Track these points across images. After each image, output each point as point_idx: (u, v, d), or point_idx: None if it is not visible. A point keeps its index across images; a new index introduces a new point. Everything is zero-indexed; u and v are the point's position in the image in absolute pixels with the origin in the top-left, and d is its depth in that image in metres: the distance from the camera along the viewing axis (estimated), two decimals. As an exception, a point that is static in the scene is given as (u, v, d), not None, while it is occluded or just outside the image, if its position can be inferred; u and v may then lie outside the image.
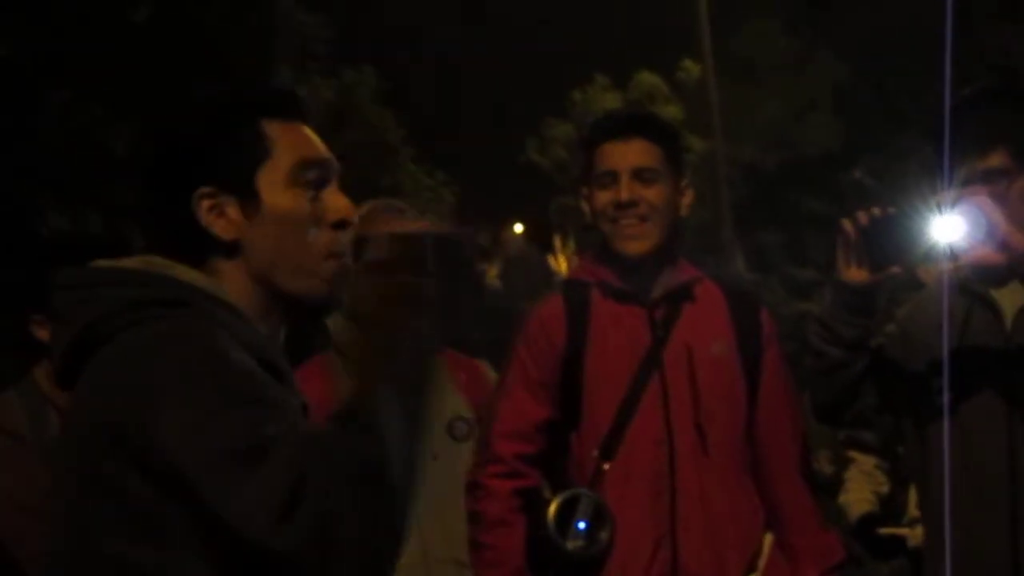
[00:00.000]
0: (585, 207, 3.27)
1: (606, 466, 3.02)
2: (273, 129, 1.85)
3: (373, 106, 21.57)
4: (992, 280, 2.80)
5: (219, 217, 1.81)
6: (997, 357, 2.76)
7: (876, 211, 2.67)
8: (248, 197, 1.82)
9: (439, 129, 24.74)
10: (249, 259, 1.83)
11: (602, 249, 3.23)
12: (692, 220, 3.02)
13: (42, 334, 3.21)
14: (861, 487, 4.19)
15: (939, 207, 2.59)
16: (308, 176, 1.84)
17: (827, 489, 4.30)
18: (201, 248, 1.83)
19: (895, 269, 2.73)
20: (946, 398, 2.71)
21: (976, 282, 2.83)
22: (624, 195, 3.12)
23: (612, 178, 3.14)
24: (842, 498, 4.21)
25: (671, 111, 24.35)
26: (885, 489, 4.16)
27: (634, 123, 3.27)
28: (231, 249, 1.82)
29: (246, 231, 1.82)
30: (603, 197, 3.15)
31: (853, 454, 4.28)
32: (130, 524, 1.64)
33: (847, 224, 2.71)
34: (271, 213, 1.82)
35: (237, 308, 1.80)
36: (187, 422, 1.59)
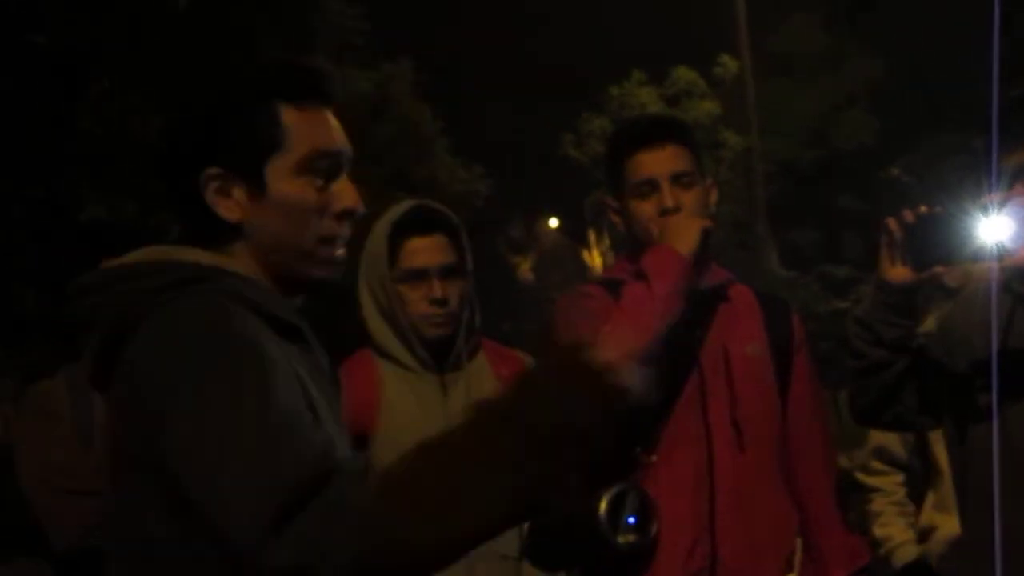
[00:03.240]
0: (617, 220, 3.23)
1: (652, 458, 2.99)
2: (290, 116, 1.83)
3: (411, 99, 21.58)
4: None
5: (225, 198, 1.82)
6: (1041, 359, 2.72)
7: (923, 209, 2.64)
8: (255, 182, 1.82)
9: (476, 121, 24.74)
10: (251, 240, 1.84)
11: (638, 250, 3.18)
12: (727, 216, 2.99)
13: None
14: (897, 523, 4.04)
15: (986, 207, 2.56)
16: (318, 166, 1.84)
17: (857, 488, 4.23)
18: (213, 228, 1.84)
19: (939, 269, 2.69)
20: (995, 399, 2.67)
21: (1019, 283, 2.79)
22: (669, 201, 3.06)
23: (652, 186, 3.08)
24: (878, 532, 4.06)
25: (708, 106, 24.31)
26: (914, 519, 4.04)
27: (663, 128, 3.23)
28: (235, 229, 1.83)
29: (250, 213, 1.83)
30: (645, 207, 3.09)
31: (877, 466, 4.13)
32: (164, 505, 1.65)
33: (892, 222, 2.67)
34: (276, 200, 1.82)
35: (247, 276, 1.81)
36: (196, 418, 1.59)
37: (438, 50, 23.51)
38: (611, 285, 3.13)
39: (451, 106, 22.70)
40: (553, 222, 32.56)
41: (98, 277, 1.82)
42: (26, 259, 10.77)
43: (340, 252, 1.89)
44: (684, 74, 26.22)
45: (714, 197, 3.21)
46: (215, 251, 1.83)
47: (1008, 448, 2.68)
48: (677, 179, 3.09)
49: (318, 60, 1.94)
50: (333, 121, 1.89)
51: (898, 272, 2.70)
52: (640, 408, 2.89)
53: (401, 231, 3.19)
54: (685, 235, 2.98)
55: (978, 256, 2.59)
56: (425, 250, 3.17)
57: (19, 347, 10.25)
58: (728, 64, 25.04)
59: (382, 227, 3.19)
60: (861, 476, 4.12)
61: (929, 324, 3.41)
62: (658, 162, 3.10)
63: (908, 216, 2.65)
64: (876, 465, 4.07)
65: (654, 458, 3.00)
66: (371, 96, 19.08)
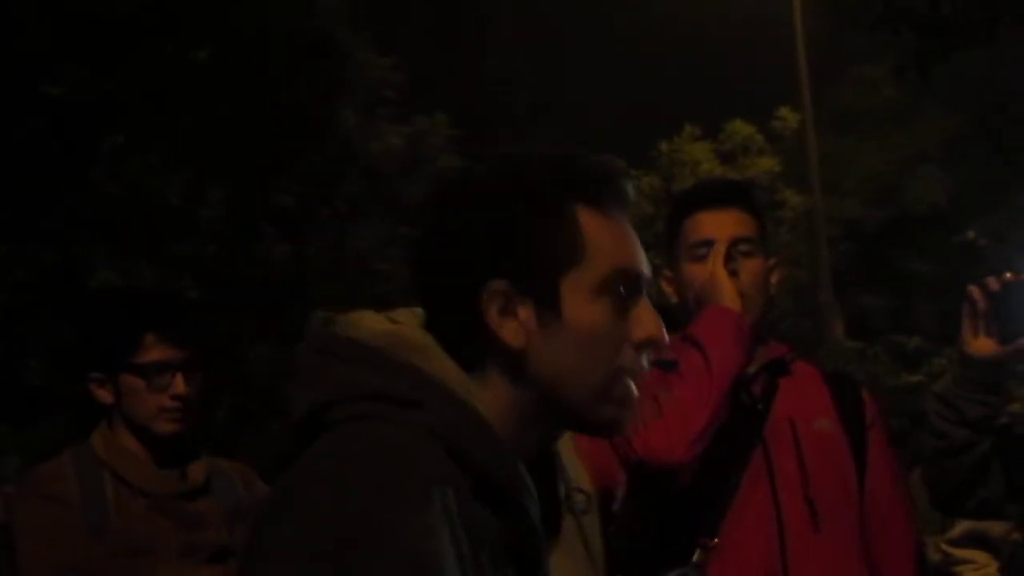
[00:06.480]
0: (669, 289, 3.21)
1: (714, 542, 2.95)
2: (590, 223, 1.62)
3: (446, 156, 21.69)
4: None
5: (509, 319, 1.59)
6: None
7: (1008, 276, 2.61)
8: (547, 301, 1.60)
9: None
10: (531, 368, 1.61)
11: (687, 332, 3.16)
12: (788, 282, 2.99)
13: (101, 394, 3.24)
14: None
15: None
16: (621, 289, 1.63)
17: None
18: (480, 350, 1.61)
19: (1027, 341, 2.66)
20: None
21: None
22: (728, 265, 3.06)
23: (709, 248, 3.08)
24: None
25: (767, 163, 24.28)
26: None
27: (733, 191, 3.24)
28: (514, 359, 1.60)
29: (536, 339, 1.60)
30: (699, 271, 3.07)
31: (965, 555, 4.09)
32: None
33: (975, 291, 2.65)
34: (571, 325, 1.60)
35: (483, 418, 1.57)
36: None
37: (475, 103, 23.65)
38: (667, 367, 3.10)
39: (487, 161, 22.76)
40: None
41: (330, 344, 1.61)
42: (33, 326, 10.82)
43: (634, 391, 1.67)
44: (740, 128, 26.22)
45: (775, 277, 3.19)
46: (469, 370, 1.60)
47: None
48: (737, 244, 3.08)
49: (613, 158, 1.70)
50: (632, 232, 1.69)
51: (982, 344, 2.67)
52: (696, 488, 2.88)
53: None
54: (722, 286, 2.97)
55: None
56: None
57: (24, 422, 10.28)
58: (788, 117, 25.05)
59: None
60: (950, 548, 4.09)
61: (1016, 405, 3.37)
62: (720, 224, 3.10)
63: (993, 283, 2.62)
64: (965, 544, 4.05)
65: (716, 541, 2.96)
66: (403, 152, 19.17)
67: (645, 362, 1.67)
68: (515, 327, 1.59)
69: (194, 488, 3.28)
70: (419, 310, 1.66)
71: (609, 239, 1.63)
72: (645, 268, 1.67)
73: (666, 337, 1.68)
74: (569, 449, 3.18)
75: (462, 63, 24.73)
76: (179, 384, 3.21)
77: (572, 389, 1.62)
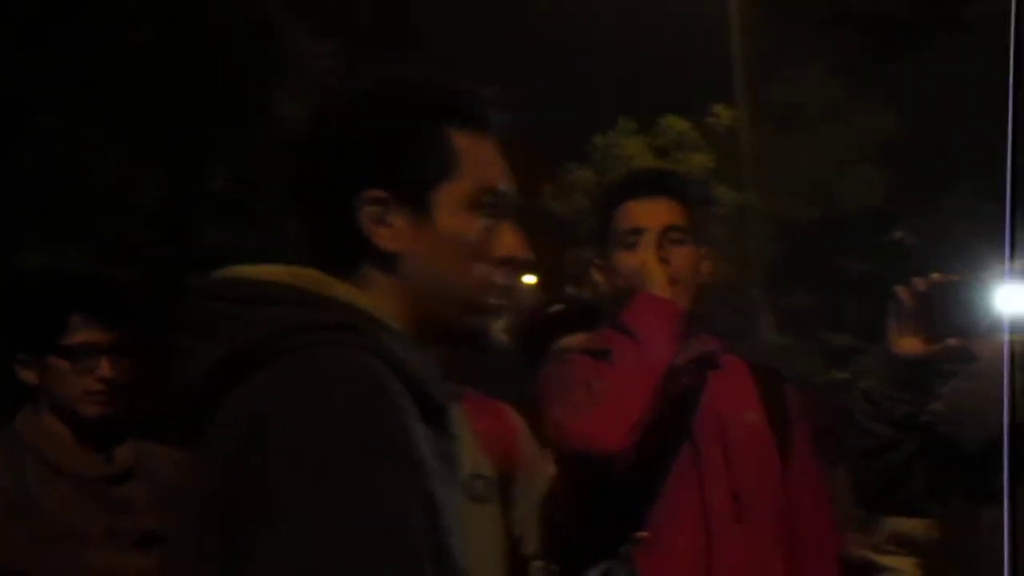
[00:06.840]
0: (600, 278, 3.23)
1: (641, 534, 2.98)
2: (461, 142, 1.78)
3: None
4: None
5: (382, 226, 1.73)
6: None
7: (936, 277, 2.65)
8: (420, 210, 1.74)
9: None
10: (407, 277, 1.76)
11: (618, 321, 3.18)
12: (719, 277, 3.03)
13: (26, 375, 3.20)
14: None
15: (1002, 275, 2.57)
16: (488, 204, 1.79)
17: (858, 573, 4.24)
18: (355, 255, 1.75)
19: (952, 341, 2.69)
20: (1006, 480, 2.67)
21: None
22: (658, 253, 3.08)
23: (639, 237, 3.11)
24: None
25: (700, 159, 24.35)
26: None
27: (663, 180, 3.27)
28: (388, 261, 1.75)
29: (409, 246, 1.74)
30: (630, 259, 3.10)
31: (892, 549, 4.13)
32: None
33: (903, 291, 2.68)
34: (442, 235, 1.75)
35: (399, 332, 1.70)
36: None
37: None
38: (599, 355, 3.12)
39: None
40: (530, 279, 32.53)
41: (238, 288, 1.70)
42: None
43: (497, 303, 1.83)
44: (675, 123, 26.26)
45: (707, 267, 3.22)
46: (357, 286, 1.74)
47: (1022, 535, 2.67)
48: (667, 233, 3.10)
49: (485, 86, 1.87)
50: (499, 155, 1.84)
51: (909, 344, 2.71)
52: (626, 481, 2.90)
53: None
54: (653, 274, 3.01)
55: (992, 328, 2.60)
56: None
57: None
58: (722, 114, 25.13)
59: None
60: (874, 555, 4.13)
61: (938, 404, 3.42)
62: (649, 213, 3.13)
63: (920, 284, 2.66)
64: (890, 549, 4.08)
65: (643, 534, 2.98)
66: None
67: (509, 279, 1.82)
68: (389, 233, 1.73)
69: (121, 472, 3.24)
70: (280, 266, 1.74)
71: (478, 158, 1.79)
72: (511, 190, 1.83)
73: (529, 255, 1.82)
74: (468, 434, 3.19)
75: (396, 54, 24.64)
76: (105, 367, 3.17)
77: (442, 297, 1.77)
